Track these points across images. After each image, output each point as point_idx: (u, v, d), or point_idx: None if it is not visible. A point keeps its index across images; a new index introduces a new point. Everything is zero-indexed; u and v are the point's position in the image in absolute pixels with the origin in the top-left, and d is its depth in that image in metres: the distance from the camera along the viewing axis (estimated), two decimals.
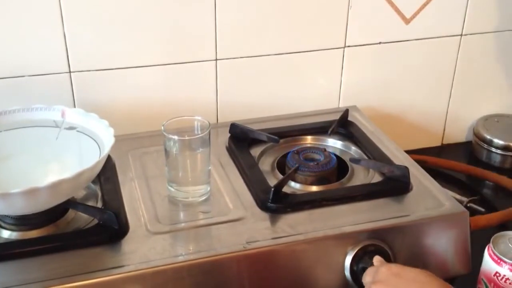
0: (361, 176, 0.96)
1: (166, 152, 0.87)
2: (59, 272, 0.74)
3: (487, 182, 1.16)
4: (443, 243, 0.86)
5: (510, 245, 0.81)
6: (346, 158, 1.01)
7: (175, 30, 1.04)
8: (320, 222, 0.83)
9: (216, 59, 1.08)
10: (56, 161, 0.92)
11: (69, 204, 0.84)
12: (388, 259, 0.81)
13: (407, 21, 1.15)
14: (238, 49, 1.09)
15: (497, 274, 0.80)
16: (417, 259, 0.85)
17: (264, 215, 0.85)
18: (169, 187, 0.89)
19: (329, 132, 1.06)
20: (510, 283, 0.79)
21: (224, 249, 0.78)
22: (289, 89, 1.16)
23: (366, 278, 0.76)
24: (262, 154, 1.01)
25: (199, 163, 0.89)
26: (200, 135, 0.87)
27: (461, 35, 1.20)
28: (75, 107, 1.02)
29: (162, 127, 0.86)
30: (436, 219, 0.86)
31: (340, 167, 0.98)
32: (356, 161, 0.98)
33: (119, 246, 0.79)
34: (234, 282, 0.78)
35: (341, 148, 1.05)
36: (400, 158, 0.99)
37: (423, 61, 1.21)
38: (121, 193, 0.89)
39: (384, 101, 1.23)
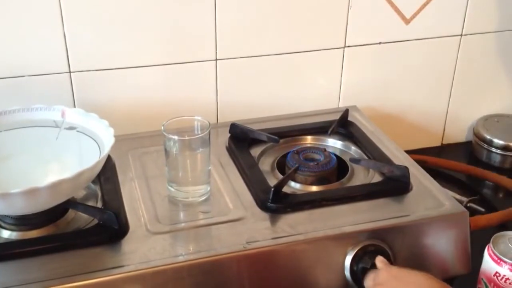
0: (361, 176, 0.96)
1: (166, 152, 0.87)
2: (59, 272, 0.74)
3: (487, 182, 1.16)
4: (443, 243, 0.86)
5: (510, 245, 0.81)
6: (346, 158, 1.01)
7: (175, 30, 1.04)
8: (320, 222, 0.83)
9: (216, 59, 1.08)
10: (56, 161, 0.92)
11: (69, 204, 0.84)
12: (388, 259, 0.81)
13: (407, 21, 1.15)
14: (238, 49, 1.09)
15: (497, 274, 0.80)
16: (417, 259, 0.85)
17: (264, 215, 0.85)
18: (169, 187, 0.89)
19: (329, 132, 1.06)
20: (510, 283, 0.79)
21: (224, 249, 0.78)
22: (289, 89, 1.16)
23: (367, 282, 0.76)
24: (262, 154, 1.01)
25: (199, 163, 0.89)
26: (200, 135, 0.87)
27: (461, 35, 1.20)
28: (75, 107, 1.02)
29: (162, 127, 0.86)
30: (436, 219, 0.86)
31: (340, 167, 0.98)
32: (356, 161, 0.98)
33: (119, 246, 0.79)
34: (234, 282, 0.78)
35: (341, 148, 1.05)
36: (400, 158, 0.99)
37: (423, 61, 1.21)
38: (121, 193, 0.89)
39: (384, 101, 1.23)
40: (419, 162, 1.01)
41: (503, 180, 1.13)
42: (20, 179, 0.85)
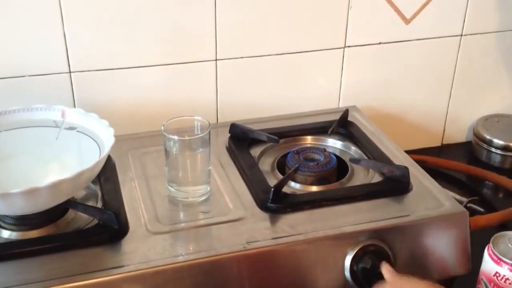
0: (361, 176, 0.96)
1: (166, 152, 0.87)
2: (59, 272, 0.74)
3: (487, 182, 1.16)
4: (443, 243, 0.86)
5: (510, 245, 0.81)
6: (346, 158, 1.01)
7: (175, 30, 1.04)
8: (320, 222, 0.83)
9: (216, 59, 1.08)
10: (56, 161, 0.92)
11: (69, 204, 0.84)
12: (388, 259, 0.81)
13: (407, 21, 1.15)
14: (238, 49, 1.09)
15: (497, 274, 0.80)
16: (417, 259, 0.85)
17: (264, 215, 0.85)
18: (169, 187, 0.89)
19: (329, 132, 1.06)
20: (510, 283, 0.79)
21: (224, 249, 0.78)
22: (289, 89, 1.16)
23: None
24: (262, 154, 1.01)
25: (199, 163, 0.89)
26: (200, 135, 0.87)
27: (461, 35, 1.20)
28: (75, 107, 1.02)
29: (162, 127, 0.86)
30: (436, 219, 0.86)
31: (340, 167, 0.98)
32: (356, 161, 0.98)
33: (119, 246, 0.79)
34: (234, 282, 0.78)
35: (341, 148, 1.05)
36: (400, 158, 0.99)
37: (423, 61, 1.21)
38: (121, 193, 0.89)
39: (384, 101, 1.23)
40: (419, 162, 1.01)
41: (503, 180, 1.13)
42: (20, 179, 0.85)
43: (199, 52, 1.07)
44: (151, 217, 0.84)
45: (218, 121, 1.14)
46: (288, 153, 0.99)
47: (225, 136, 1.04)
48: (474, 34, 1.20)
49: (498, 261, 0.79)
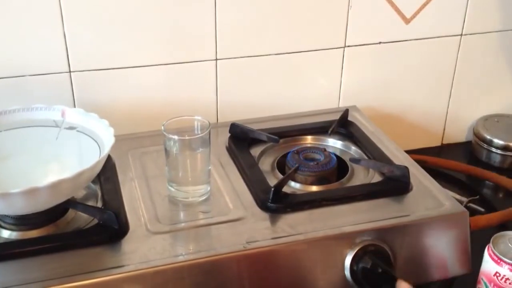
0: (361, 176, 0.96)
1: (166, 152, 0.87)
2: (59, 272, 0.74)
3: (487, 182, 1.16)
4: (443, 243, 0.86)
5: (510, 245, 0.81)
6: (346, 158, 1.01)
7: (175, 30, 1.04)
8: (320, 222, 0.83)
9: (216, 59, 1.08)
10: (56, 161, 0.92)
11: (69, 204, 0.84)
12: (388, 259, 0.81)
13: (407, 21, 1.15)
14: (238, 49, 1.09)
15: (497, 274, 0.80)
16: (417, 259, 0.85)
17: (264, 215, 0.85)
18: (169, 187, 0.89)
19: (329, 132, 1.06)
20: (510, 283, 0.79)
21: (224, 249, 0.78)
22: (289, 89, 1.16)
23: None
24: (262, 154, 1.01)
25: (199, 163, 0.89)
26: (200, 135, 0.87)
27: (461, 35, 1.20)
28: (75, 107, 1.02)
29: (162, 127, 0.86)
30: (436, 219, 0.86)
31: (340, 167, 0.98)
32: (356, 161, 0.98)
33: (119, 246, 0.79)
34: (234, 282, 0.78)
35: (341, 148, 1.05)
36: (400, 158, 0.99)
37: (423, 61, 1.21)
38: (121, 193, 0.89)
39: (384, 101, 1.23)
40: (419, 162, 1.01)
41: (503, 180, 1.13)
42: (20, 179, 0.85)
43: (199, 52, 1.07)
44: (151, 217, 0.84)
45: (218, 121, 1.14)
46: (288, 153, 0.99)
47: (225, 136, 1.04)
48: (474, 34, 1.20)
49: (498, 261, 0.79)
